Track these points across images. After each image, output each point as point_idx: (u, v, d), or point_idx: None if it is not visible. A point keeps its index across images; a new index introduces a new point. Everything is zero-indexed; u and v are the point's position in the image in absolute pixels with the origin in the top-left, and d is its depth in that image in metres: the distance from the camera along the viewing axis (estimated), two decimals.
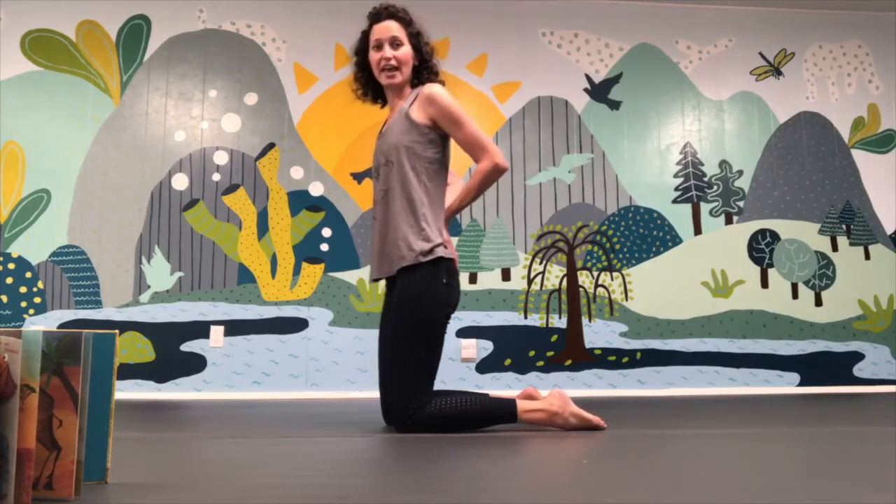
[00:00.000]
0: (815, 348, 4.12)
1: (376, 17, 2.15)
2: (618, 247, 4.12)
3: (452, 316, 2.13)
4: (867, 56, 4.47)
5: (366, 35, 2.17)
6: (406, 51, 2.11)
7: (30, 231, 3.82)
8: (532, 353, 3.96)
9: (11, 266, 3.78)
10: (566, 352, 3.99)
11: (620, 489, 1.18)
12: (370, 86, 2.22)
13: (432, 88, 2.06)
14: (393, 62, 2.09)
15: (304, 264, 3.93)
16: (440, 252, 2.00)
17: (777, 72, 4.40)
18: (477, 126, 2.06)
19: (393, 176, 2.06)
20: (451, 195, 2.21)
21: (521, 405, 1.97)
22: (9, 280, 3.77)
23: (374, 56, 2.13)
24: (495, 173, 2.04)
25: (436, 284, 1.99)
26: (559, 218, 4.12)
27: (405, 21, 2.15)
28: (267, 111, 4.05)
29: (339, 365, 3.85)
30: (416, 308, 1.98)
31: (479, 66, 4.21)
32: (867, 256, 4.24)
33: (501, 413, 1.96)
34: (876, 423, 2.27)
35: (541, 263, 4.06)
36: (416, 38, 2.15)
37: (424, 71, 2.16)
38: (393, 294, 2.08)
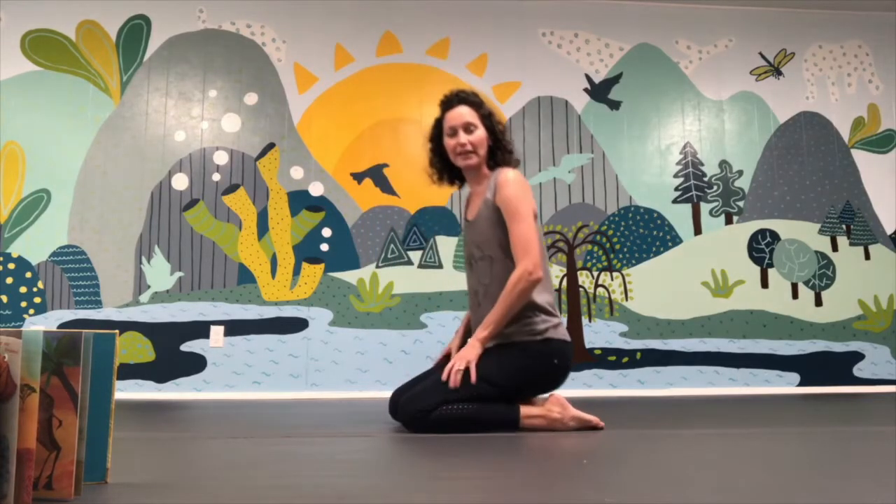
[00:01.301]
0: (815, 348, 4.12)
1: (448, 104, 2.22)
2: (618, 247, 4.12)
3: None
4: (867, 56, 4.47)
5: (439, 122, 2.25)
6: (480, 134, 2.17)
7: (30, 231, 3.81)
8: None
9: (11, 266, 3.78)
10: None
11: (620, 489, 1.18)
12: (446, 170, 2.29)
13: (505, 175, 2.11)
14: (469, 147, 2.16)
15: (304, 264, 3.93)
16: (550, 334, 2.05)
17: (777, 72, 4.40)
18: (532, 227, 2.07)
19: (496, 271, 2.11)
20: None
21: (523, 411, 2.00)
22: (9, 280, 3.76)
23: (449, 142, 2.20)
24: (524, 281, 2.02)
25: (545, 362, 2.05)
26: (559, 218, 4.12)
27: (476, 105, 2.20)
28: (267, 111, 4.05)
29: (339, 365, 3.85)
30: (520, 370, 2.03)
31: (479, 66, 4.21)
32: (867, 256, 4.24)
33: (504, 419, 1.99)
34: (876, 423, 2.27)
35: None
36: (489, 120, 2.19)
37: (498, 151, 2.21)
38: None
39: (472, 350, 2.02)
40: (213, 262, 3.89)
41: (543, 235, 2.29)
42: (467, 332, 2.31)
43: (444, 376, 2.00)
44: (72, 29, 3.99)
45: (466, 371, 1.99)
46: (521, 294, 2.02)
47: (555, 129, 4.20)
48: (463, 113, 2.17)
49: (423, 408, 1.95)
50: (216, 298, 3.85)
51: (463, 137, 2.16)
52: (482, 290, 2.15)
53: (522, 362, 2.02)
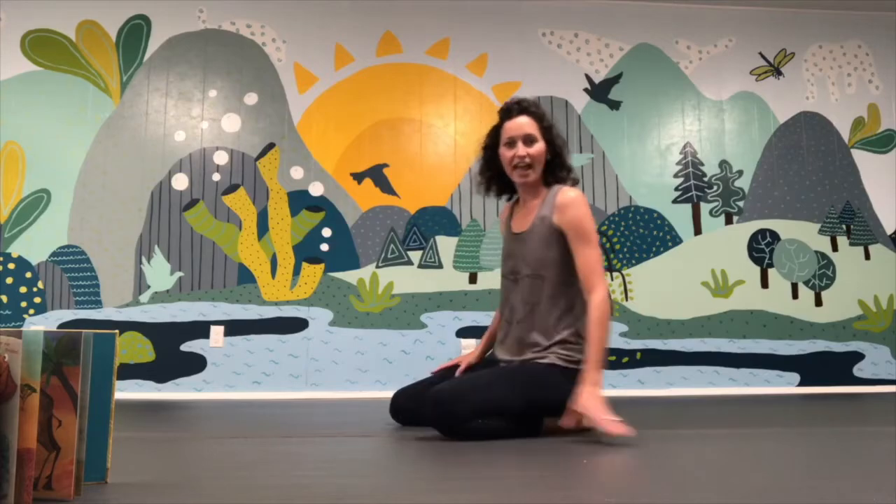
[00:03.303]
0: (815, 348, 4.12)
1: (507, 113, 2.11)
2: (618, 247, 4.12)
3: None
4: (867, 56, 4.47)
5: (496, 130, 2.14)
6: (539, 147, 2.07)
7: (30, 231, 3.81)
8: None
9: (11, 266, 3.78)
10: None
11: (620, 489, 1.18)
12: (496, 181, 2.19)
13: (569, 195, 2.02)
14: (527, 160, 2.06)
15: (304, 264, 3.93)
16: (576, 357, 1.98)
17: (777, 72, 4.39)
18: (600, 252, 2.00)
19: (547, 292, 2.02)
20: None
21: (548, 424, 1.96)
22: (9, 280, 3.76)
23: (506, 153, 2.09)
24: (605, 303, 1.92)
25: (566, 391, 1.93)
26: None
27: (537, 116, 2.09)
28: (267, 111, 4.05)
29: (339, 365, 3.85)
30: (539, 396, 1.93)
31: (479, 66, 4.21)
32: (867, 256, 4.24)
33: (528, 433, 1.93)
34: (876, 423, 2.27)
35: None
36: (549, 132, 2.09)
37: (556, 166, 2.11)
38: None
39: (596, 398, 1.84)
40: (213, 262, 3.89)
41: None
42: (488, 348, 2.26)
43: (568, 423, 1.87)
44: (72, 29, 3.99)
45: (486, 383, 1.89)
46: (608, 319, 1.93)
47: None
48: (523, 124, 2.07)
49: (461, 419, 1.83)
50: (216, 298, 3.85)
51: (522, 150, 2.05)
52: (526, 308, 2.05)
53: (539, 396, 1.92)
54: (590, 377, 1.87)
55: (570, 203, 2.00)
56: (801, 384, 4.06)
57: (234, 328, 3.83)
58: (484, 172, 2.19)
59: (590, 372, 1.87)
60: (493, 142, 2.15)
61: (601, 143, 4.21)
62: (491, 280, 3.98)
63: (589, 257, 1.96)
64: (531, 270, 2.05)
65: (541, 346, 2.00)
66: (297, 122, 4.05)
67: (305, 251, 3.94)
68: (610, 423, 1.74)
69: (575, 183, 2.12)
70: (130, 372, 3.72)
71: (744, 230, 4.20)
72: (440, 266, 3.98)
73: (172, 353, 3.77)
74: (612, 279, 4.08)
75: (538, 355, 1.99)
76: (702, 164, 4.26)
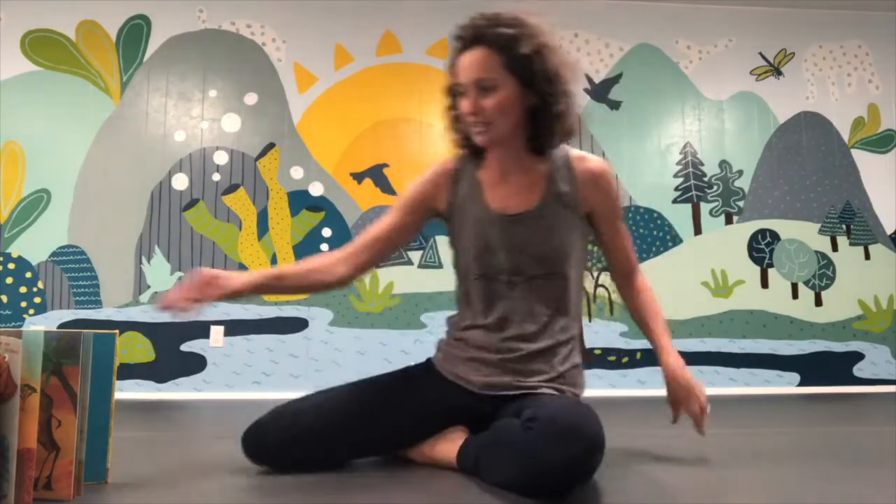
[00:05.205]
0: (815, 348, 4.12)
1: (461, 42, 1.40)
2: None
3: None
4: (867, 56, 4.47)
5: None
6: (500, 97, 1.36)
7: (30, 231, 3.81)
8: None
9: (11, 266, 3.78)
10: None
11: (620, 489, 1.18)
12: (471, 141, 1.46)
13: (596, 162, 1.51)
14: (480, 116, 1.38)
15: None
16: (581, 394, 1.49)
17: (777, 72, 4.39)
18: None
19: (573, 295, 1.49)
20: None
21: None
22: (9, 280, 3.76)
23: (461, 105, 1.41)
24: None
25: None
26: None
27: (499, 43, 1.35)
28: (267, 111, 4.05)
29: (339, 365, 3.85)
30: None
31: None
32: (867, 256, 4.24)
33: None
34: (876, 423, 2.27)
35: None
36: (521, 65, 1.35)
37: (543, 121, 1.40)
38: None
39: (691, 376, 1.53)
40: (213, 262, 3.88)
41: None
42: (262, 285, 1.49)
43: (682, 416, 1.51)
44: (72, 29, 3.99)
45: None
46: None
47: None
48: (474, 60, 1.36)
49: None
50: None
51: (466, 104, 1.38)
52: (538, 323, 1.44)
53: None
54: (675, 353, 1.61)
55: (604, 172, 1.50)
56: (800, 384, 4.06)
57: (234, 328, 3.83)
58: (452, 126, 1.50)
59: (672, 347, 1.62)
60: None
61: (601, 143, 4.21)
62: None
63: (628, 236, 1.63)
64: (546, 269, 1.45)
65: (553, 374, 1.43)
66: (297, 122, 4.05)
67: (305, 251, 3.94)
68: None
69: (569, 135, 1.46)
70: (130, 372, 3.72)
71: (744, 230, 4.20)
72: (440, 266, 3.98)
73: (172, 353, 3.77)
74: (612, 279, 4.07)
75: (550, 386, 1.41)
76: (702, 164, 4.26)
